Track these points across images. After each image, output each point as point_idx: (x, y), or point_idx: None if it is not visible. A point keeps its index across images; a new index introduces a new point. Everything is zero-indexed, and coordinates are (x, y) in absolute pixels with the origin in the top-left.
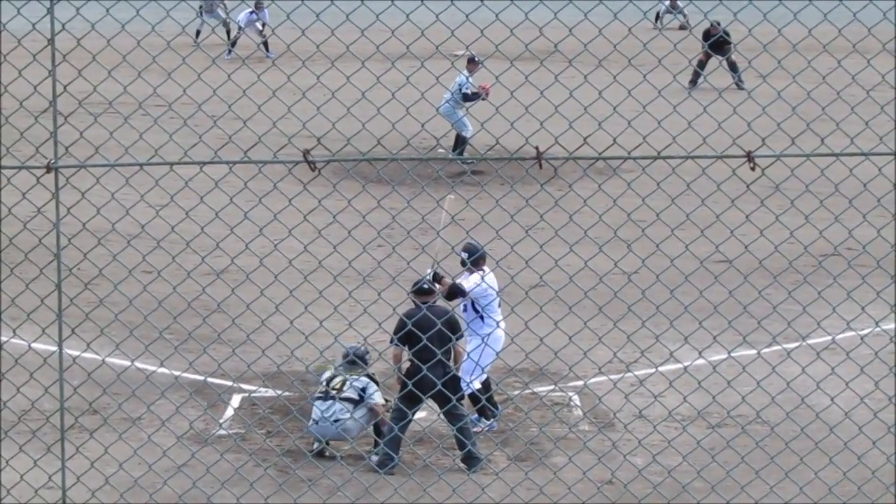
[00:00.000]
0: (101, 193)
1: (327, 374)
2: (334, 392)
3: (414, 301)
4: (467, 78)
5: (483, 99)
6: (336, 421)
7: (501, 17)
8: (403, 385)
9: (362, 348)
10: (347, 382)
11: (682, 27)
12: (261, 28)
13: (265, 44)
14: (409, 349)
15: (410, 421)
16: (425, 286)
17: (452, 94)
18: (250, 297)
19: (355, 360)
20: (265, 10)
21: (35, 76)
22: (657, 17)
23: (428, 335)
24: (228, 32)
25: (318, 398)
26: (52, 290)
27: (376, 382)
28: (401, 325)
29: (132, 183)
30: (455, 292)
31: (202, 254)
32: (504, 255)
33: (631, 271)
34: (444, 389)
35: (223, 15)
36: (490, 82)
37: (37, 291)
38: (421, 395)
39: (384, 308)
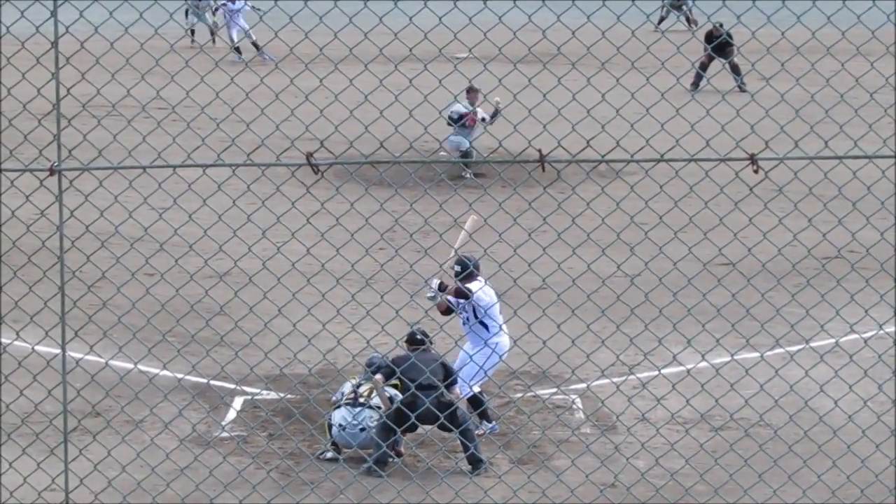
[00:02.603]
0: (105, 196)
1: (350, 384)
2: (363, 399)
3: (406, 348)
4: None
5: (465, 126)
6: (363, 430)
7: (504, 20)
8: (394, 411)
9: (378, 356)
10: (375, 390)
11: (688, 20)
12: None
13: (255, 44)
14: (401, 392)
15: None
16: (418, 336)
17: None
18: (253, 300)
19: (378, 370)
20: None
21: (38, 79)
22: (660, 19)
23: (420, 377)
24: (213, 37)
25: (347, 404)
26: (55, 293)
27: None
28: (389, 367)
29: (135, 185)
30: (460, 295)
31: (205, 256)
32: (507, 258)
33: (633, 274)
34: (440, 414)
35: (210, 19)
36: (479, 109)
37: (40, 294)
38: (412, 422)
39: (387, 310)
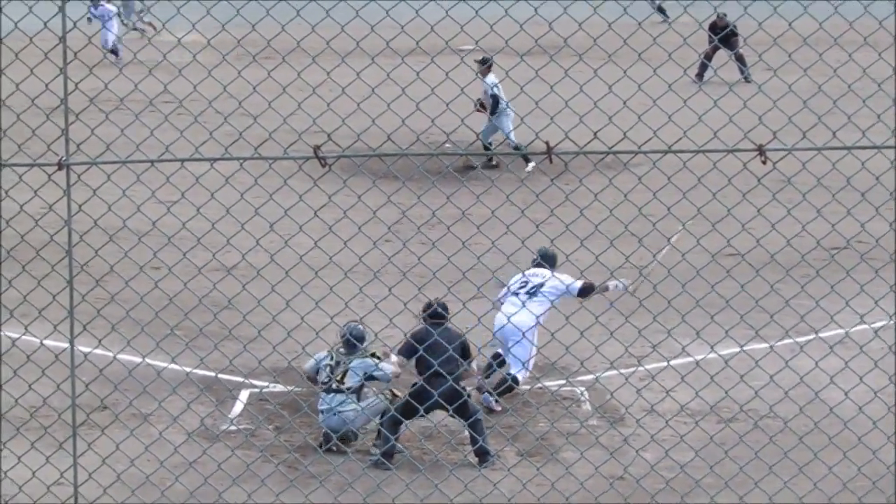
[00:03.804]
0: (113, 190)
1: (327, 360)
2: (336, 384)
3: (425, 322)
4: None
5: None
6: (336, 414)
7: (510, 13)
8: (408, 397)
9: (359, 327)
10: (349, 372)
11: (661, 9)
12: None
13: (115, 50)
14: (417, 369)
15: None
16: (438, 310)
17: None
18: (261, 294)
19: (351, 341)
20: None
21: (46, 74)
22: (661, 9)
23: (439, 357)
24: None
25: (323, 390)
26: (63, 288)
27: (379, 358)
28: (409, 344)
29: (143, 180)
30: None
31: (213, 250)
32: (515, 251)
33: (642, 266)
34: (451, 402)
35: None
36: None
37: (48, 288)
38: (423, 408)
39: (394, 303)
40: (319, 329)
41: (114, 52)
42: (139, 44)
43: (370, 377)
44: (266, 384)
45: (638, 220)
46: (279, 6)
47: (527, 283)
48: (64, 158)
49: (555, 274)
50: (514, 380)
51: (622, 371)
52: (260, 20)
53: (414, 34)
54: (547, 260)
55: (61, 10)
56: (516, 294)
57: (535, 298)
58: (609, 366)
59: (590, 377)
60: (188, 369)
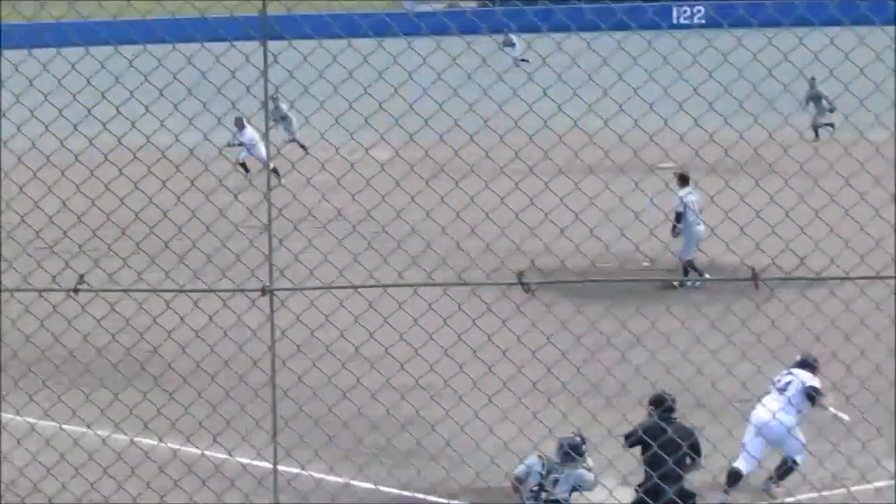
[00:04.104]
0: (316, 313)
1: (538, 468)
2: (545, 493)
3: (653, 414)
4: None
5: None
6: None
7: (715, 137)
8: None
9: (577, 439)
10: (560, 481)
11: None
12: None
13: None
14: (646, 466)
15: None
16: (668, 401)
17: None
18: (463, 418)
19: (570, 454)
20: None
21: (250, 199)
22: (815, 130)
23: (670, 455)
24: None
25: (531, 496)
26: (265, 413)
27: (589, 469)
28: (640, 438)
29: (346, 305)
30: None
31: (415, 375)
32: (721, 377)
33: (850, 392)
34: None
35: (290, 133)
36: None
37: (252, 413)
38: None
39: (597, 429)
40: (523, 455)
41: (276, 171)
42: (342, 166)
43: (576, 488)
44: (466, 503)
45: (845, 345)
46: (483, 132)
47: (780, 380)
48: (268, 284)
49: (806, 374)
50: (795, 462)
51: (825, 493)
52: (463, 146)
53: (615, 155)
54: (809, 362)
55: (265, 136)
56: (778, 391)
57: (791, 401)
58: (814, 491)
59: (792, 500)
60: (392, 490)
